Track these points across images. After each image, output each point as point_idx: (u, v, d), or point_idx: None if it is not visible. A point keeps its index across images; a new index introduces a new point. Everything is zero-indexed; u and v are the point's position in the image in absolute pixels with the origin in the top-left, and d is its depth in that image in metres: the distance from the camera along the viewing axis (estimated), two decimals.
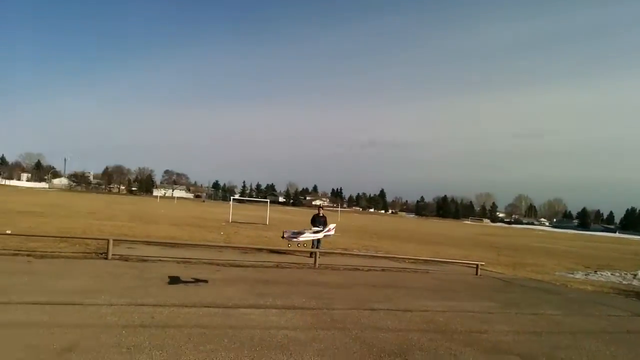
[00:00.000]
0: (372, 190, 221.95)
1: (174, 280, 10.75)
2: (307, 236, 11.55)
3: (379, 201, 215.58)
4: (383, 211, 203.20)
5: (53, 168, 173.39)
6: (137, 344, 5.89)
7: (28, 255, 12.65)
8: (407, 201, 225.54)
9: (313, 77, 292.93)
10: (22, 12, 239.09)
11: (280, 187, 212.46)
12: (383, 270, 15.63)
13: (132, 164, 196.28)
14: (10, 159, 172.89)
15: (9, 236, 14.48)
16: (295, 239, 11.30)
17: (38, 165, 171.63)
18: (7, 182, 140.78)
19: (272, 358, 5.85)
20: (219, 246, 17.70)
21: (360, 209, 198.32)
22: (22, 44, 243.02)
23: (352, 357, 6.19)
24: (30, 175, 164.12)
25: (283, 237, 11.28)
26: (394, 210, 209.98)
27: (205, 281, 10.85)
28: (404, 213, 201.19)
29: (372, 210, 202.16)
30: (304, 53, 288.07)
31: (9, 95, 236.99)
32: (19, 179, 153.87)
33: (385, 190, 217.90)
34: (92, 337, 6.03)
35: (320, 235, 11.72)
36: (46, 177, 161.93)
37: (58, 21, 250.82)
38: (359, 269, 15.15)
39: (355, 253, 19.63)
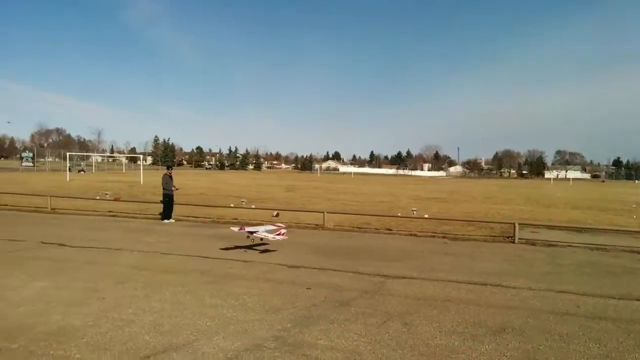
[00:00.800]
0: None
1: (586, 267, 9.88)
2: (261, 234, 10.94)
3: None
4: None
5: (449, 157, 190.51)
6: (569, 333, 5.63)
7: (443, 237, 14.11)
8: None
9: None
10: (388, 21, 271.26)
11: None
12: None
13: (521, 147, 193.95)
14: (414, 151, 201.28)
15: (426, 219, 16.48)
16: (253, 235, 10.92)
17: (436, 155, 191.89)
18: (412, 172, 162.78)
19: None
20: (635, 232, 15.31)
21: None
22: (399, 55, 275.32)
23: None
24: (430, 165, 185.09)
25: (242, 230, 10.95)
26: None
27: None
28: None
29: None
30: None
31: (411, 95, 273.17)
32: (421, 169, 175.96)
33: None
34: (520, 320, 6.12)
35: (270, 236, 10.89)
36: (443, 166, 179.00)
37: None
38: None
39: None
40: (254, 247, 11.17)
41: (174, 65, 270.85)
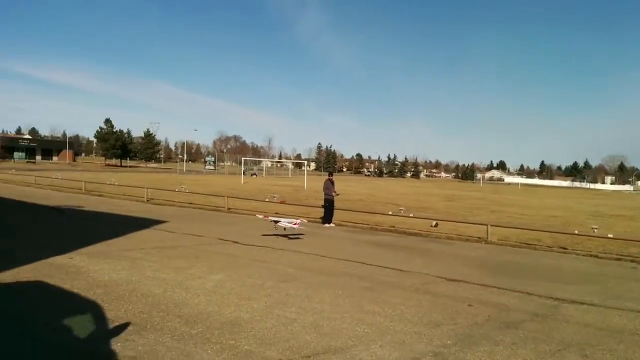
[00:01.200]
0: None
1: None
2: (284, 224, 13.01)
3: None
4: None
5: (637, 169, 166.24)
6: None
7: (632, 260, 12.26)
8: None
9: None
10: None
11: None
12: None
13: None
14: (594, 162, 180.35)
15: (609, 239, 14.44)
16: (279, 224, 13.00)
17: (621, 167, 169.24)
18: (591, 185, 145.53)
19: None
20: None
21: None
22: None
23: None
24: (613, 177, 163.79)
25: (266, 218, 13.65)
26: None
27: None
28: None
29: None
30: None
31: (591, 99, 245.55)
32: (602, 182, 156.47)
33: None
34: None
35: (289, 225, 13.00)
36: (630, 179, 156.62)
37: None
38: None
39: None
40: (290, 236, 13.11)
41: (337, 75, 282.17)
